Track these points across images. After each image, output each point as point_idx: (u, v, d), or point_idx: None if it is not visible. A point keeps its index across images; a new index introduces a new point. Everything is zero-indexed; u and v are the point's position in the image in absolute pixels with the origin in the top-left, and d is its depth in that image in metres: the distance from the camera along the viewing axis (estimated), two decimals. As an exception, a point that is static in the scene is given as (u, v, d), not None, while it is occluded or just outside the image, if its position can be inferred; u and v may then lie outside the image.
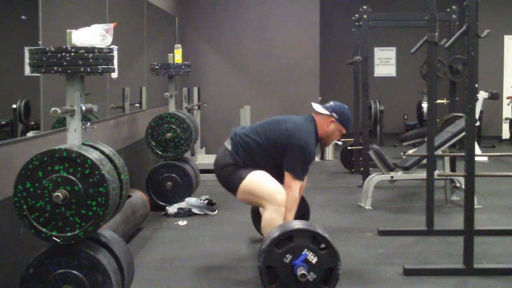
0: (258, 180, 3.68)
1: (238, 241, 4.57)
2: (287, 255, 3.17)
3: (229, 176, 3.76)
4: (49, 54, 2.70)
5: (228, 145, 3.81)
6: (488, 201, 5.86)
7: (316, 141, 3.80)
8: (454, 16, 6.89)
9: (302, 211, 4.18)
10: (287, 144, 3.67)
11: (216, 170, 3.86)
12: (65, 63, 2.70)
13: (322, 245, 3.21)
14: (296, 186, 3.69)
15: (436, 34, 4.61)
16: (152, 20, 6.61)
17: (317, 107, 3.86)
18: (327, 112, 3.81)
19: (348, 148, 7.64)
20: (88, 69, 2.74)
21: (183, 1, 8.76)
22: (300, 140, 3.67)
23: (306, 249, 3.17)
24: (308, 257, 3.16)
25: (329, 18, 10.86)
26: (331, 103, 3.88)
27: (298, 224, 3.32)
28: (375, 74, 11.71)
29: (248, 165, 3.73)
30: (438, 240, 4.51)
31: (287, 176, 3.69)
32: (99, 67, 2.77)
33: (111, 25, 2.92)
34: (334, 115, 3.81)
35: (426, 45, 4.66)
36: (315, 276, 3.16)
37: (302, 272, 3.11)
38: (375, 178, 5.71)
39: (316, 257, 3.17)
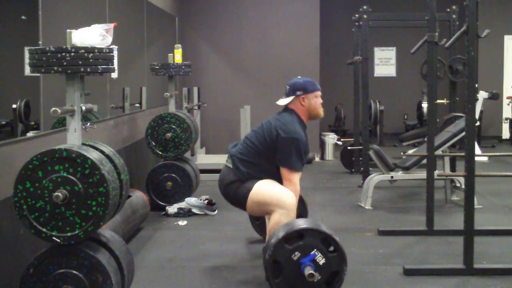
0: (265, 188, 3.64)
1: (238, 241, 4.57)
2: (296, 253, 3.17)
3: (236, 191, 3.73)
4: (49, 54, 2.70)
5: (228, 163, 3.81)
6: (488, 201, 5.86)
7: (302, 126, 3.76)
8: (454, 16, 6.89)
9: (300, 213, 4.15)
10: (277, 141, 3.67)
11: (221, 189, 3.85)
12: (65, 63, 2.70)
13: (331, 248, 3.21)
14: (295, 178, 3.67)
15: (436, 34, 4.61)
16: (152, 20, 6.61)
17: (282, 101, 3.83)
18: (292, 97, 3.78)
19: (348, 148, 7.64)
20: (88, 69, 2.74)
21: (183, 1, 8.76)
22: (287, 133, 3.65)
23: (315, 249, 3.17)
24: (316, 258, 3.16)
25: (329, 18, 10.85)
26: (286, 87, 3.84)
27: (311, 224, 3.32)
28: (375, 74, 11.71)
29: (252, 176, 3.71)
30: (438, 240, 4.51)
31: (284, 171, 3.67)
32: (99, 67, 2.77)
33: (111, 25, 2.92)
34: (299, 92, 3.78)
35: (426, 45, 4.66)
36: (320, 277, 3.16)
37: (310, 272, 3.11)
38: (375, 178, 5.71)
39: (324, 259, 3.17)
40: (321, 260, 3.17)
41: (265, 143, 3.71)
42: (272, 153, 3.70)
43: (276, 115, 3.82)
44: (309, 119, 3.85)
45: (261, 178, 3.70)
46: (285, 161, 3.66)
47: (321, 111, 3.88)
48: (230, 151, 3.85)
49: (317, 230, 3.23)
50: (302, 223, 3.31)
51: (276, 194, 3.60)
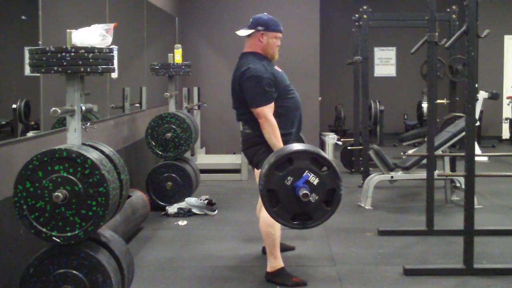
0: None
1: (238, 241, 4.57)
2: (288, 178, 3.10)
3: (254, 157, 3.68)
4: (49, 54, 2.70)
5: (242, 127, 3.77)
6: (488, 201, 5.86)
7: (263, 60, 3.68)
8: (454, 16, 6.89)
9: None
10: (241, 87, 3.62)
11: (243, 151, 3.80)
12: (65, 63, 2.70)
13: (323, 167, 3.14)
14: (266, 113, 3.54)
15: (436, 34, 4.61)
16: (152, 20, 6.61)
17: (242, 32, 3.78)
18: (252, 30, 3.73)
19: (348, 148, 7.64)
20: (88, 69, 2.74)
21: (183, 1, 8.76)
22: (242, 77, 3.59)
23: (307, 171, 3.09)
24: (309, 179, 3.09)
25: (329, 18, 10.86)
26: (250, 19, 3.79)
27: (297, 146, 3.25)
28: (375, 74, 11.71)
29: (260, 132, 3.61)
30: (438, 240, 4.51)
31: (254, 111, 3.57)
32: (99, 67, 2.77)
33: (111, 25, 2.92)
34: (260, 27, 3.73)
35: (426, 45, 4.66)
36: (317, 197, 3.09)
37: (304, 192, 3.04)
38: (375, 178, 5.71)
39: (317, 178, 3.09)
40: (314, 180, 3.09)
41: (239, 97, 3.66)
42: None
43: (236, 66, 3.75)
44: (266, 57, 3.73)
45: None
46: (251, 100, 3.58)
47: (276, 54, 3.76)
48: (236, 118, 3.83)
49: (305, 151, 3.16)
50: (289, 148, 3.24)
51: None
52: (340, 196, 3.14)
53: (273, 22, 3.76)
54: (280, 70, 3.76)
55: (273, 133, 3.55)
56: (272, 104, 3.60)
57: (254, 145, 3.67)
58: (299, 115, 3.78)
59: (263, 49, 3.73)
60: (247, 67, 3.62)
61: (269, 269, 3.66)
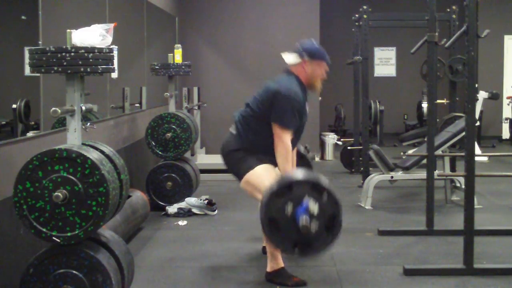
0: (262, 176, 3.57)
1: (238, 241, 4.57)
2: (288, 205, 3.11)
3: (237, 162, 3.68)
4: (49, 54, 2.70)
5: (232, 129, 3.76)
6: (488, 201, 5.86)
7: (302, 88, 3.66)
8: (454, 16, 6.89)
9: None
10: (273, 99, 3.59)
11: (222, 155, 3.79)
12: (65, 63, 2.70)
13: (323, 194, 3.15)
14: (285, 135, 3.57)
15: (436, 34, 4.61)
16: (152, 20, 6.61)
17: (287, 56, 3.74)
18: (297, 56, 3.69)
19: (348, 148, 7.64)
20: (88, 69, 2.74)
21: (183, 1, 8.76)
22: (283, 91, 3.56)
23: (307, 198, 3.11)
24: (309, 206, 3.10)
25: (329, 18, 10.86)
26: (297, 45, 3.74)
27: (297, 174, 3.27)
28: (375, 74, 11.72)
29: (254, 144, 3.65)
30: (438, 240, 4.51)
31: (276, 127, 3.57)
32: (99, 67, 2.77)
33: (111, 25, 2.92)
34: (305, 57, 3.68)
35: (426, 45, 4.66)
36: (317, 224, 3.11)
37: (305, 221, 3.06)
38: (375, 178, 5.71)
39: (317, 205, 3.11)
40: (314, 207, 3.11)
41: (262, 106, 3.63)
42: (269, 115, 3.61)
43: (275, 78, 3.74)
44: (307, 86, 3.72)
45: (262, 146, 3.63)
46: (278, 118, 3.56)
47: (318, 84, 3.74)
48: (234, 117, 3.80)
49: (304, 179, 3.18)
50: (289, 176, 3.26)
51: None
52: (341, 222, 3.19)
53: (320, 52, 3.72)
54: (307, 109, 3.76)
55: (285, 157, 3.56)
56: (291, 132, 3.62)
57: (235, 150, 3.68)
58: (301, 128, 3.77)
59: (306, 79, 3.70)
60: (290, 85, 3.60)
61: (269, 269, 3.66)
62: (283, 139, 3.57)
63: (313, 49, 3.71)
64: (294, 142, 3.75)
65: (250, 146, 3.68)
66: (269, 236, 3.16)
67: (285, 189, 3.15)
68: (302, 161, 4.16)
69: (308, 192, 3.13)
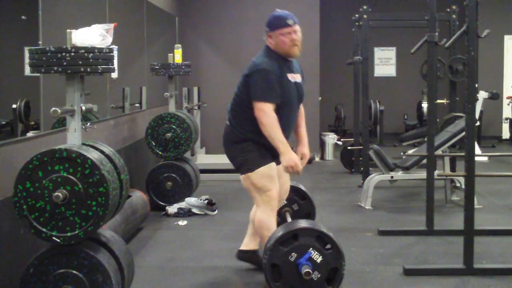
0: (264, 179, 3.53)
1: (238, 241, 4.55)
2: (292, 254, 3.19)
3: (240, 157, 3.58)
4: (49, 54, 2.70)
5: (227, 121, 3.72)
6: (488, 201, 5.86)
7: (279, 59, 3.56)
8: (454, 16, 6.89)
9: (308, 211, 4.15)
10: (249, 79, 3.53)
11: (225, 148, 3.72)
12: (65, 63, 2.70)
13: (327, 245, 3.22)
14: (266, 107, 3.42)
15: (436, 34, 4.61)
16: (152, 20, 6.61)
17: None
18: (265, 34, 3.64)
19: (348, 148, 7.64)
20: (88, 69, 2.74)
21: (183, 1, 8.76)
22: (250, 69, 3.52)
23: (311, 248, 3.18)
24: (312, 256, 3.17)
25: (329, 18, 10.85)
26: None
27: (303, 223, 3.34)
28: (375, 74, 11.71)
29: (247, 131, 3.55)
30: (438, 240, 4.51)
31: (255, 104, 3.45)
32: (99, 67, 2.77)
33: (111, 25, 2.92)
34: (266, 29, 3.64)
35: (426, 45, 4.66)
36: (319, 275, 3.17)
37: (307, 270, 3.12)
38: (375, 178, 5.71)
39: (320, 257, 3.18)
40: (318, 258, 3.18)
41: (243, 88, 3.57)
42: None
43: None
44: (280, 55, 3.60)
45: (254, 133, 3.52)
46: (255, 94, 3.46)
47: (293, 50, 3.57)
48: (227, 108, 3.76)
49: (311, 228, 3.25)
50: (295, 224, 3.33)
51: (269, 192, 3.52)
52: (343, 276, 3.23)
53: (276, 19, 3.66)
54: (293, 80, 3.59)
55: (271, 125, 3.41)
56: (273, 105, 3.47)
57: (235, 143, 3.61)
58: (288, 113, 3.61)
59: (276, 46, 3.60)
60: (257, 60, 3.54)
61: (243, 247, 3.83)
62: (265, 110, 3.42)
63: (270, 19, 3.67)
64: (291, 117, 3.62)
65: (244, 136, 3.57)
66: (271, 282, 3.21)
67: (290, 237, 3.22)
68: (306, 203, 4.15)
69: (313, 243, 3.20)
